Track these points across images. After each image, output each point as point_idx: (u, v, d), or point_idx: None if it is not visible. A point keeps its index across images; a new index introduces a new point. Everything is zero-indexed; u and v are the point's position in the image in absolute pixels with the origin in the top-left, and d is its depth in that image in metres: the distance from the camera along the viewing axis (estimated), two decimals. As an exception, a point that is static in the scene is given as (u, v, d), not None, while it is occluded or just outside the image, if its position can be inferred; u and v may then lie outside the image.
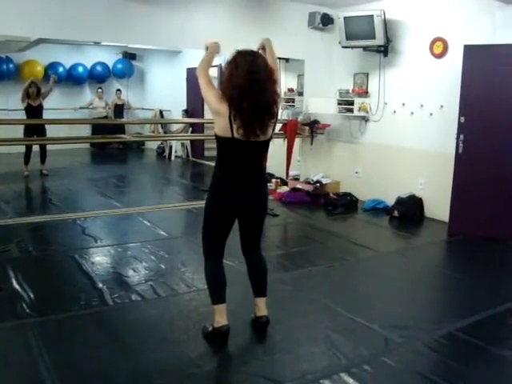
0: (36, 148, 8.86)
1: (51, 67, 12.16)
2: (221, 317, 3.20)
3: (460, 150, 5.75)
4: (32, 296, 3.82)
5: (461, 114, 5.70)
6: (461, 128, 5.71)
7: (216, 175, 3.14)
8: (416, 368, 3.04)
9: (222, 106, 2.93)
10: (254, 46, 7.66)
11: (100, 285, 4.11)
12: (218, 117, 2.98)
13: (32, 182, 8.51)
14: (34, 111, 8.66)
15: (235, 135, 2.94)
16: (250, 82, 2.87)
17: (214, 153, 3.19)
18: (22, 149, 8.87)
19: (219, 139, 3.03)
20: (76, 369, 2.91)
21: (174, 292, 4.04)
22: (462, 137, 5.71)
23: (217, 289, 3.25)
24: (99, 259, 4.80)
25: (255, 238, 3.39)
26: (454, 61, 6.02)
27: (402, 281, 4.61)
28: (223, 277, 3.27)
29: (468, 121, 5.65)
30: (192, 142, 11.98)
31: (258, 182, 3.22)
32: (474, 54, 5.57)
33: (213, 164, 3.26)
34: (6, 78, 11.31)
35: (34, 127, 8.56)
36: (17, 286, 4.00)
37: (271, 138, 3.14)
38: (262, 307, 3.38)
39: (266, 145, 3.13)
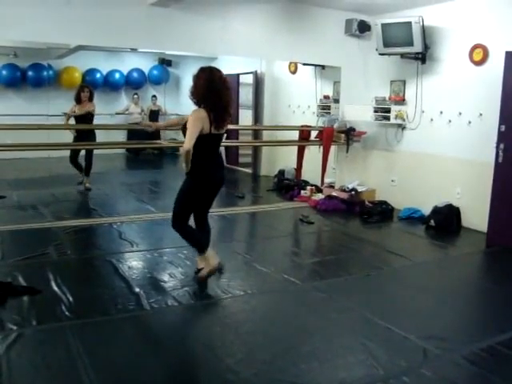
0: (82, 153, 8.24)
1: (89, 73, 12.41)
2: (214, 259, 4.20)
3: (500, 159, 5.64)
4: (71, 299, 3.87)
5: (501, 122, 5.58)
6: (501, 137, 5.60)
7: (199, 161, 3.99)
8: (454, 381, 2.98)
9: (204, 116, 3.94)
10: (289, 53, 7.67)
11: (137, 289, 4.15)
12: (202, 123, 3.94)
13: (69, 186, 8.58)
14: (82, 120, 7.90)
15: (212, 130, 3.99)
16: (209, 89, 3.94)
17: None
18: (60, 153, 8.72)
19: (201, 137, 3.90)
20: (114, 371, 2.95)
21: (209, 298, 4.05)
22: (502, 146, 5.60)
23: (200, 241, 4.27)
24: (136, 264, 4.86)
25: (208, 209, 4.46)
26: (495, 68, 5.91)
27: (439, 291, 4.52)
28: (198, 230, 4.37)
29: (509, 129, 5.53)
30: (226, 148, 11.99)
31: (221, 162, 4.32)
32: (516, 61, 5.46)
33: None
34: (46, 84, 11.58)
35: (82, 136, 7.85)
36: (56, 289, 4.06)
37: (226, 132, 4.26)
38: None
39: (222, 137, 4.23)
